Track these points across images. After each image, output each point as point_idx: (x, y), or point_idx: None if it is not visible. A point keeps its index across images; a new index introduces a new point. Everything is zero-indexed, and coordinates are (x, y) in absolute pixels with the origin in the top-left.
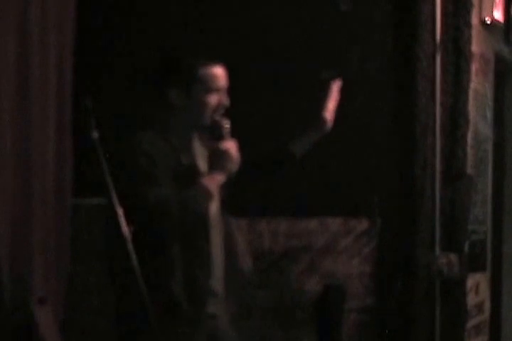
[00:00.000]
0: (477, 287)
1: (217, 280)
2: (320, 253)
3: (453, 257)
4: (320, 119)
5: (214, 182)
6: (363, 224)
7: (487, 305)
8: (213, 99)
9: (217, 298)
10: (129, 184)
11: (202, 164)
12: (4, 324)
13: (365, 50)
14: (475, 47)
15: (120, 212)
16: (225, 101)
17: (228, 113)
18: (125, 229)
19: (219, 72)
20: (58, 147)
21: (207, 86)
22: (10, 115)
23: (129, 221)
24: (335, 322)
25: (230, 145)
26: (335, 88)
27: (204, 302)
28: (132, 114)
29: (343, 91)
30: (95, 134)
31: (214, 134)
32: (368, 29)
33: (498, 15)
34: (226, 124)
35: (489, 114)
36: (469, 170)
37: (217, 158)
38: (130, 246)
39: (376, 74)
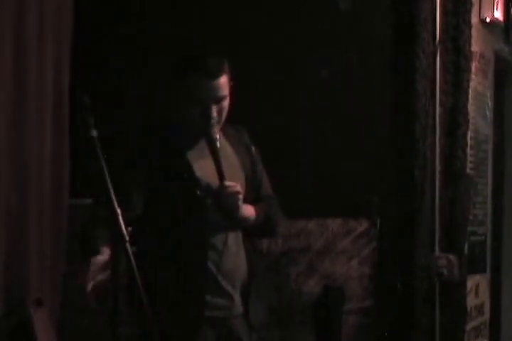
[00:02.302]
0: (477, 288)
1: (229, 283)
2: (319, 254)
3: (453, 258)
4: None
5: None
6: (362, 225)
7: (487, 307)
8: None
9: (230, 301)
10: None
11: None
12: (1, 325)
13: (365, 50)
14: (475, 47)
15: (119, 212)
16: (220, 111)
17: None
18: (124, 229)
19: (216, 83)
20: (55, 146)
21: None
22: (6, 115)
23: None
24: (334, 324)
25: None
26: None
27: (202, 307)
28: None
29: (343, 91)
30: (94, 132)
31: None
32: (367, 28)
33: (498, 14)
34: (216, 136)
35: (489, 114)
36: (469, 171)
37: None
38: (129, 246)
39: (375, 73)
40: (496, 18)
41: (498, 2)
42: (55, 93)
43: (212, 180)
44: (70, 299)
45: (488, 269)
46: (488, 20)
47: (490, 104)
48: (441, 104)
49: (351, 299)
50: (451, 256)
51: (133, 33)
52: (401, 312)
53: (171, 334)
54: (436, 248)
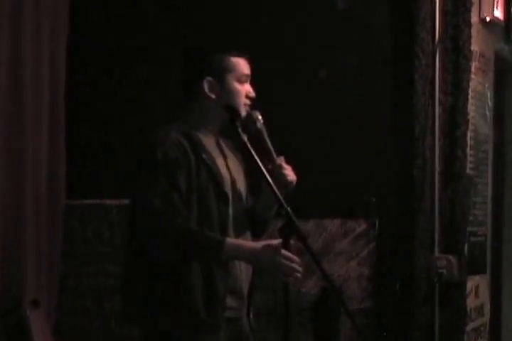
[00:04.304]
0: (477, 289)
1: (240, 283)
2: (317, 255)
3: (452, 259)
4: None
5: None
6: (361, 226)
7: (487, 308)
8: (243, 88)
9: (240, 301)
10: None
11: (221, 163)
12: None
13: (364, 49)
14: (475, 46)
15: None
16: (252, 91)
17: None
18: None
19: (243, 61)
20: (52, 148)
21: (236, 74)
22: (2, 115)
23: None
24: (333, 325)
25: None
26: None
27: (222, 308)
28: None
29: (342, 91)
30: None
31: (248, 128)
32: (366, 28)
33: (498, 13)
34: (259, 116)
35: (489, 114)
36: (469, 171)
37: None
38: None
39: (375, 73)
40: (496, 18)
41: (498, 2)
42: (51, 93)
43: (229, 177)
44: (67, 299)
45: (488, 270)
46: (488, 19)
47: (490, 104)
48: (440, 104)
49: (350, 300)
50: (451, 257)
51: (130, 31)
52: (401, 312)
53: (190, 334)
54: (436, 248)
